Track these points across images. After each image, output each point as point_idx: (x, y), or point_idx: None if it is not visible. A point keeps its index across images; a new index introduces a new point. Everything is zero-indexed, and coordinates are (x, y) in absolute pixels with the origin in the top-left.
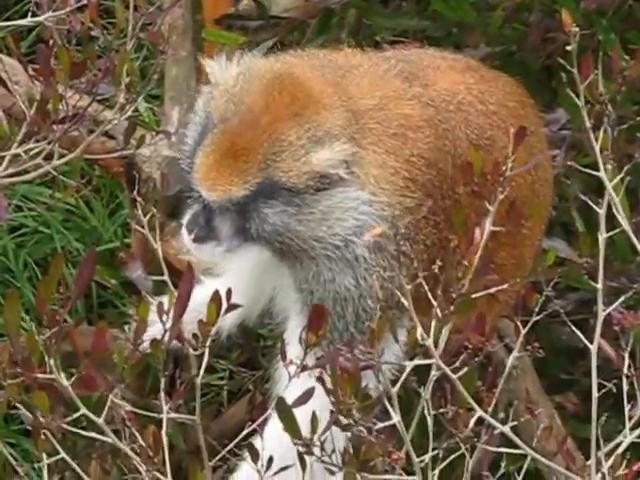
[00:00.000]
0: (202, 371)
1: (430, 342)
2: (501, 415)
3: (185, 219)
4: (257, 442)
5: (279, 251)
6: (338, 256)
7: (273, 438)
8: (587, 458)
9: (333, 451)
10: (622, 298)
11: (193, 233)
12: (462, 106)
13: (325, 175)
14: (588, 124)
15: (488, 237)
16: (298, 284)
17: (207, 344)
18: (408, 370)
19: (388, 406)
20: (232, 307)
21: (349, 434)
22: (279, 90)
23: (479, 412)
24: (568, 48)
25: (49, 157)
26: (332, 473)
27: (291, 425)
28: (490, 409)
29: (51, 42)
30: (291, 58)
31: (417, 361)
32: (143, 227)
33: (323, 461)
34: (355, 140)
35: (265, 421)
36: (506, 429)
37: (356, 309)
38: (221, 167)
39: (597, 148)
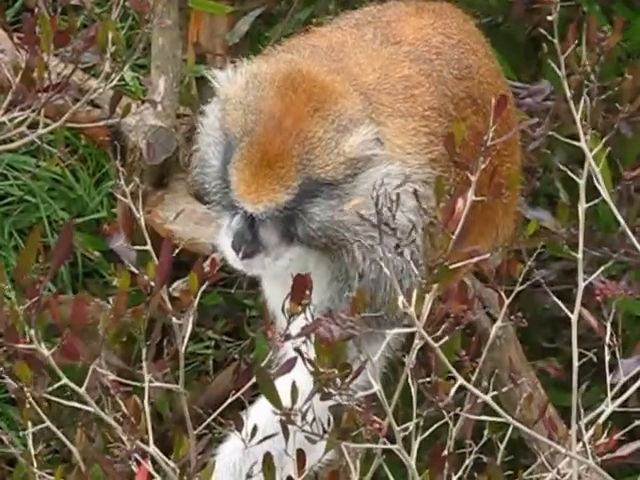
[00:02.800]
0: (186, 340)
1: (412, 310)
2: (485, 384)
3: (227, 241)
4: (250, 415)
5: (322, 246)
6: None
7: (268, 413)
8: (570, 427)
9: (314, 420)
10: (602, 268)
11: (241, 251)
12: (438, 49)
13: (359, 159)
14: (569, 94)
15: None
16: (337, 273)
17: (191, 313)
18: (389, 338)
19: (369, 376)
20: None
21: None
22: (293, 90)
23: (460, 380)
24: (549, 18)
25: (34, 126)
26: (313, 442)
27: (273, 397)
28: (474, 378)
29: (36, 11)
30: (289, 55)
31: (398, 329)
32: (126, 197)
33: (304, 430)
34: (373, 119)
35: (249, 390)
36: (487, 398)
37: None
38: (260, 178)
39: (578, 118)
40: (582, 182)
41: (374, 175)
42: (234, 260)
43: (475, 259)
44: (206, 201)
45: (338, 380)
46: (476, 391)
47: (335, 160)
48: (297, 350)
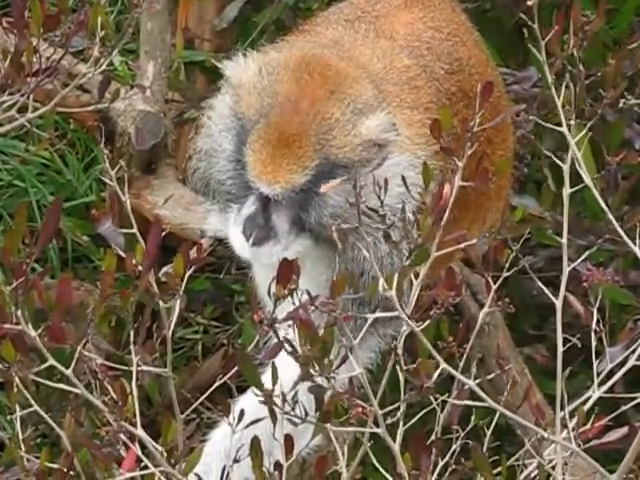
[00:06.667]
0: (173, 324)
1: (393, 294)
2: (473, 370)
3: (236, 229)
4: (239, 401)
5: (329, 239)
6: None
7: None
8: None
9: (296, 402)
10: (586, 254)
11: (253, 236)
12: (428, 44)
13: (376, 142)
14: (550, 79)
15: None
16: (339, 267)
17: (178, 296)
18: (370, 322)
19: (352, 359)
20: None
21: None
22: (308, 73)
23: (443, 365)
24: (529, 3)
25: (23, 110)
26: (294, 424)
27: (256, 381)
28: (462, 364)
29: None
30: (302, 44)
31: (380, 313)
32: (113, 181)
33: (287, 414)
34: (384, 108)
35: (237, 375)
36: (472, 384)
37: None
38: (277, 158)
39: (559, 103)
40: (566, 167)
41: (386, 163)
42: (242, 247)
43: (463, 244)
44: (212, 196)
45: (323, 363)
46: (461, 377)
47: (352, 141)
48: (275, 333)
